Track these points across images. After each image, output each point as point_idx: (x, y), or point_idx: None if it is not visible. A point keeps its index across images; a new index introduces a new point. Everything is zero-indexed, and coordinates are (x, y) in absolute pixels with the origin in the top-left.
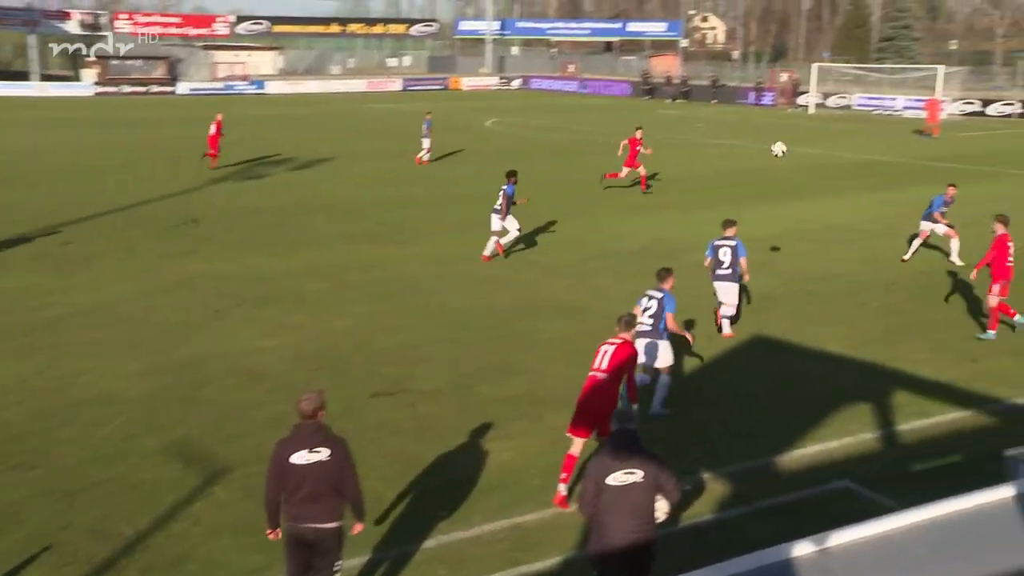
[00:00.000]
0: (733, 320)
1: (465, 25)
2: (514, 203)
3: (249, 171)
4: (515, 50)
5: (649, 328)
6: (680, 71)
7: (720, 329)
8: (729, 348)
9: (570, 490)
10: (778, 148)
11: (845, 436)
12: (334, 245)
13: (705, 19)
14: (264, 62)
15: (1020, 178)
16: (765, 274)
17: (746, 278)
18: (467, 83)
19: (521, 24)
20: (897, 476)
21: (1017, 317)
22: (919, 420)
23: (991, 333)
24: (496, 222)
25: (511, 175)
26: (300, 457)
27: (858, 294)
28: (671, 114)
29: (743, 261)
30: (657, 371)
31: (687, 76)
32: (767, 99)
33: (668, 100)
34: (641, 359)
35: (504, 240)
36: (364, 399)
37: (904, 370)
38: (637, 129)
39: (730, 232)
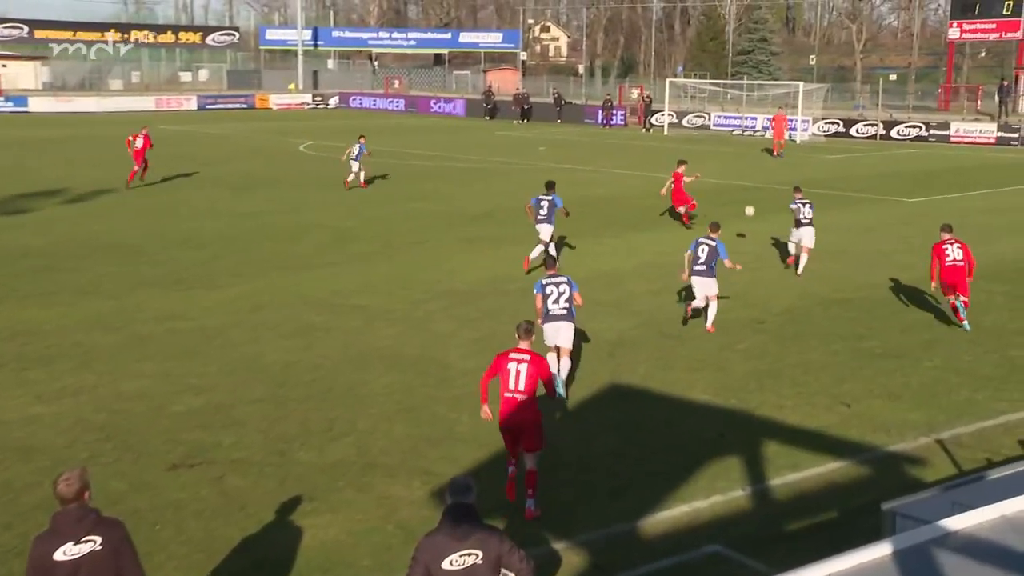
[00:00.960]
0: (704, 311)
1: (272, 34)
2: (566, 214)
3: (10, 204)
4: (331, 63)
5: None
6: (520, 87)
7: (684, 321)
8: (581, 398)
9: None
10: (749, 211)
11: (713, 494)
12: (121, 292)
13: (546, 29)
14: (24, 74)
15: (881, 204)
16: (619, 315)
17: (738, 267)
18: (276, 101)
19: (337, 34)
20: (770, 537)
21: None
22: (791, 473)
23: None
24: (546, 230)
25: (552, 186)
26: (65, 552)
27: (723, 335)
28: (512, 136)
29: (727, 262)
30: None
31: (527, 93)
32: (617, 118)
33: (517, 121)
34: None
35: (533, 254)
36: (160, 473)
37: (774, 418)
38: (681, 163)
39: (714, 234)
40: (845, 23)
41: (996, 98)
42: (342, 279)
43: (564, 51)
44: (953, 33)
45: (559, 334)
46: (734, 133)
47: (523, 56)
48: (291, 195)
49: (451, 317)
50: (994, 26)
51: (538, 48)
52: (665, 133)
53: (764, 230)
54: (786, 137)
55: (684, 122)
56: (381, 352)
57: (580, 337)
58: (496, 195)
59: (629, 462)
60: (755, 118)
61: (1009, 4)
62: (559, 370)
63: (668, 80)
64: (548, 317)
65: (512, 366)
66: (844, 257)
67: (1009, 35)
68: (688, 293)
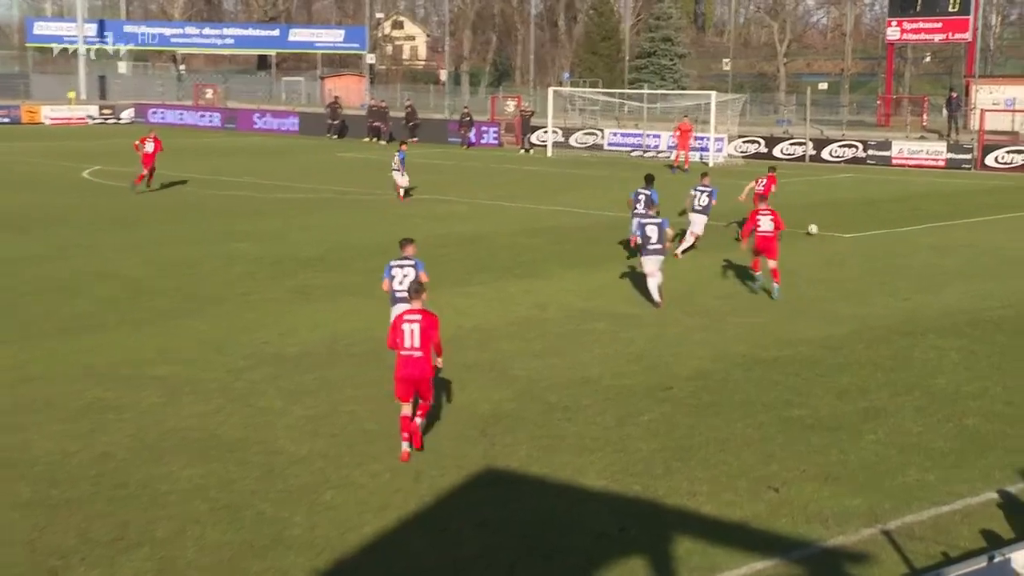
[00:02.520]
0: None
1: (42, 28)
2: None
3: None
4: (123, 67)
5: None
6: (368, 97)
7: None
8: (444, 489)
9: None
10: (813, 229)
11: None
12: None
13: (399, 26)
14: None
15: (810, 240)
16: (493, 382)
17: (667, 246)
18: (50, 114)
19: (131, 29)
20: None
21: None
22: None
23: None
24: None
25: (651, 179)
26: None
27: (622, 405)
28: (359, 159)
29: (669, 231)
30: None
31: (378, 105)
32: (489, 136)
33: (379, 140)
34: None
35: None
36: None
37: (687, 507)
38: (771, 170)
39: (652, 211)
40: (765, 20)
41: (944, 112)
42: (137, 343)
43: (422, 53)
44: (892, 34)
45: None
46: (633, 154)
47: (371, 59)
48: (73, 236)
49: (280, 389)
50: (939, 25)
51: (389, 49)
52: (549, 154)
53: (668, 275)
54: (690, 149)
55: (572, 141)
56: (188, 436)
57: (444, 411)
58: (338, 232)
59: (502, 571)
60: (658, 135)
61: (955, 0)
62: None
63: (551, 89)
64: (395, 299)
65: (406, 327)
66: (767, 307)
67: (957, 36)
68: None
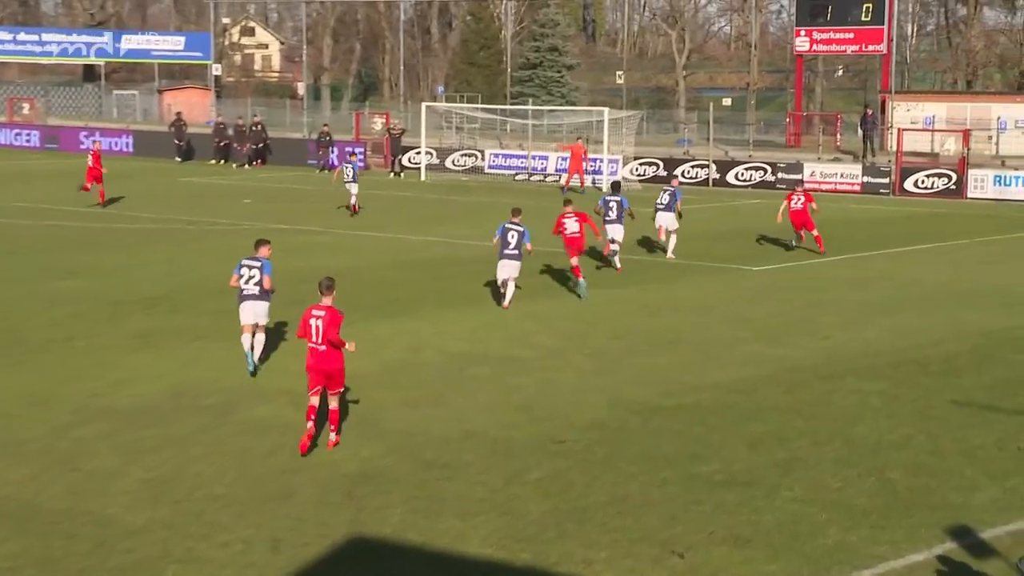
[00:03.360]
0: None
1: None
2: (631, 216)
3: None
4: None
5: None
6: (215, 114)
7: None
8: (309, 561)
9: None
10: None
11: None
12: None
13: (249, 32)
14: None
15: (717, 274)
16: (361, 437)
17: (529, 248)
18: None
19: None
20: None
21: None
22: None
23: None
24: (617, 231)
25: (618, 187)
26: None
27: (509, 461)
28: (205, 184)
29: (528, 245)
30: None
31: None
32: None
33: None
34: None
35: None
36: None
37: None
38: (800, 185)
39: (516, 219)
40: (662, 29)
41: (859, 131)
42: None
43: (277, 63)
44: (801, 44)
45: (255, 311)
46: (517, 178)
47: (216, 70)
48: None
49: (114, 448)
50: (851, 36)
51: (238, 59)
52: (422, 178)
53: (558, 310)
54: (584, 172)
55: (448, 163)
56: (2, 507)
57: (305, 470)
58: (182, 269)
59: None
60: (546, 157)
61: (868, 7)
62: (253, 346)
63: (424, 105)
64: (242, 297)
65: (312, 322)
66: (671, 349)
67: (871, 48)
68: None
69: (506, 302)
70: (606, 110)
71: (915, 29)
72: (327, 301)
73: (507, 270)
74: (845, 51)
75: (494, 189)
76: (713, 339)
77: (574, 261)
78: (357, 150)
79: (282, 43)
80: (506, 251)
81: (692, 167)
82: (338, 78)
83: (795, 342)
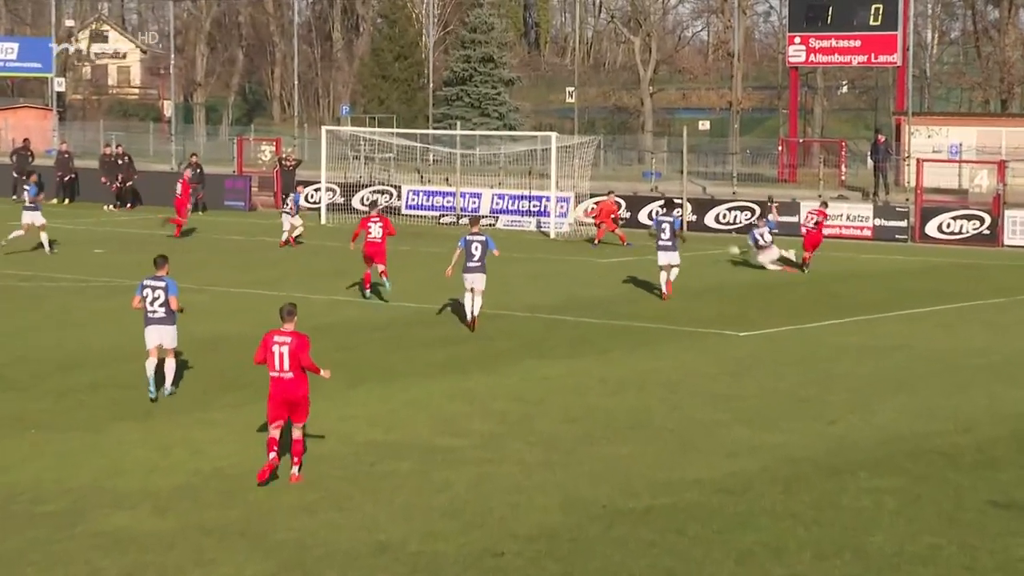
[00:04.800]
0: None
1: None
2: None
3: None
4: None
5: None
6: (58, 141)
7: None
8: None
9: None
10: (734, 250)
11: None
12: None
13: (102, 37)
14: None
15: (695, 339)
16: (244, 552)
17: (496, 253)
18: None
19: None
20: None
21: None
22: None
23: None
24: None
25: (671, 204)
26: None
27: None
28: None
29: (495, 251)
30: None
31: (69, 153)
32: (236, 198)
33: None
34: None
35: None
36: None
37: None
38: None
39: (476, 229)
40: (623, 35)
41: (869, 162)
42: None
43: (137, 77)
44: (795, 55)
45: (161, 335)
46: (443, 220)
47: (59, 85)
48: None
49: None
50: (858, 44)
51: (87, 71)
52: (323, 221)
53: (496, 390)
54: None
55: (356, 202)
56: None
57: None
58: (15, 337)
59: None
60: (478, 195)
61: (878, 8)
62: (158, 370)
63: (325, 129)
64: (148, 321)
65: (276, 348)
66: (639, 433)
67: (883, 59)
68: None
69: (474, 314)
70: (553, 135)
71: (936, 36)
72: (289, 326)
73: (473, 282)
74: (850, 63)
75: (414, 234)
76: (691, 423)
77: (380, 267)
78: (240, 186)
79: (144, 51)
80: (471, 264)
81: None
82: (216, 95)
83: (793, 427)
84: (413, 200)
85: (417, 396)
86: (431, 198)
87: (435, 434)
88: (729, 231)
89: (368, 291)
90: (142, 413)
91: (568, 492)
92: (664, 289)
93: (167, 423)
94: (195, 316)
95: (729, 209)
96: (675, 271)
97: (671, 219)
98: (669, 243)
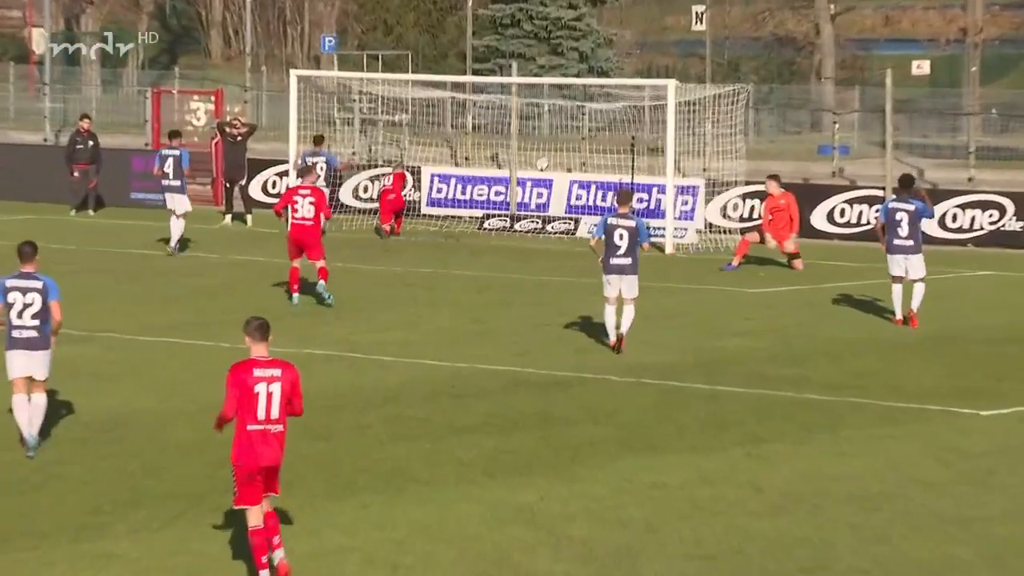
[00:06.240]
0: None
1: None
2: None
3: None
4: None
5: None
6: None
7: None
8: None
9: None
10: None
11: None
12: None
13: None
14: None
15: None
16: None
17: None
18: None
19: None
20: None
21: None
22: None
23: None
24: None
25: (909, 183)
26: None
27: None
28: None
29: (646, 245)
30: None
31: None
32: (149, 187)
33: None
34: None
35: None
36: None
37: None
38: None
39: (623, 209)
40: None
41: None
42: None
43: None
44: None
45: (29, 361)
46: (489, 225)
47: None
48: None
49: None
50: None
51: None
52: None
53: (570, 505)
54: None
55: (345, 194)
56: None
57: None
58: None
59: None
60: (547, 183)
61: None
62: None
63: (295, 75)
64: (11, 342)
65: (261, 387)
66: None
67: None
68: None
69: (623, 329)
70: (671, 83)
71: None
72: (260, 350)
73: (619, 285)
74: None
75: (436, 247)
76: (903, 564)
77: (321, 263)
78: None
79: None
80: (615, 259)
81: (847, 201)
82: (117, 19)
83: None
84: (439, 190)
85: (442, 516)
86: (468, 188)
87: None
88: (962, 240)
89: (296, 296)
90: None
91: None
92: (899, 315)
93: (34, 561)
94: (80, 381)
95: (964, 206)
96: (920, 289)
97: (911, 206)
98: (909, 242)
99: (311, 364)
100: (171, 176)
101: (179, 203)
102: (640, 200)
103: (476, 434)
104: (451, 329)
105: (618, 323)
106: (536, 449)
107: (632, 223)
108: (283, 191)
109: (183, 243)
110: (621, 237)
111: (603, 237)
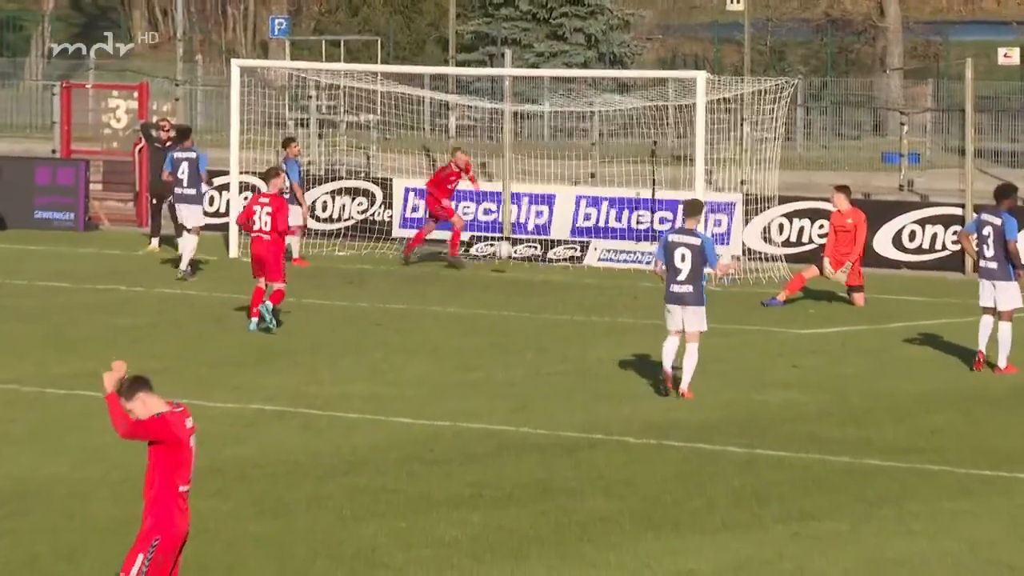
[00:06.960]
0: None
1: None
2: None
3: None
4: None
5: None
6: None
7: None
8: None
9: None
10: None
11: None
12: None
13: None
14: None
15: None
16: None
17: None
18: None
19: None
20: None
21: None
22: None
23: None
24: None
25: (1008, 192)
26: None
27: None
28: None
29: (714, 270)
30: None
31: None
32: (58, 205)
33: None
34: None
35: None
36: None
37: None
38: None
39: (690, 224)
40: None
41: None
42: None
43: None
44: None
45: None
46: (475, 251)
47: None
48: None
49: None
50: None
51: None
52: (232, 254)
53: None
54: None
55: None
56: None
57: None
58: None
59: None
60: (548, 198)
61: None
62: None
63: (236, 65)
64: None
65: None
66: None
67: None
68: None
69: (685, 378)
70: (701, 75)
71: None
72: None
73: (682, 318)
74: None
75: (413, 278)
76: None
77: (278, 285)
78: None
79: None
80: (675, 285)
81: (918, 222)
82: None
83: None
84: (415, 208)
85: None
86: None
87: None
88: None
89: (256, 320)
90: None
91: None
92: (981, 350)
93: None
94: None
95: None
96: (1005, 331)
97: (999, 219)
98: (992, 264)
99: (259, 422)
100: (185, 183)
101: (192, 216)
102: (662, 220)
103: (460, 508)
104: (429, 379)
105: (677, 362)
106: (534, 527)
107: (697, 240)
108: (232, 208)
109: (194, 265)
110: (683, 258)
111: (663, 259)
